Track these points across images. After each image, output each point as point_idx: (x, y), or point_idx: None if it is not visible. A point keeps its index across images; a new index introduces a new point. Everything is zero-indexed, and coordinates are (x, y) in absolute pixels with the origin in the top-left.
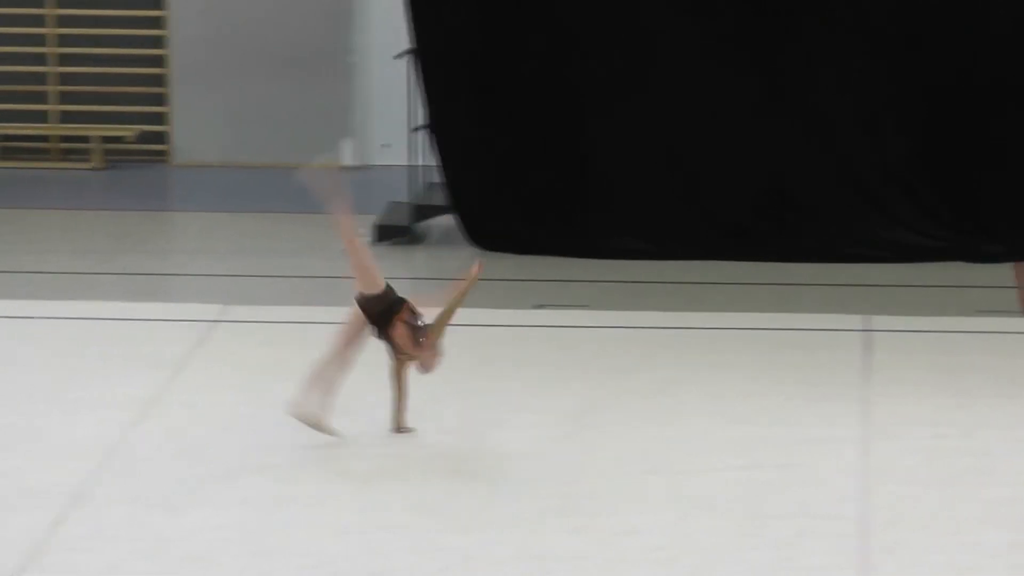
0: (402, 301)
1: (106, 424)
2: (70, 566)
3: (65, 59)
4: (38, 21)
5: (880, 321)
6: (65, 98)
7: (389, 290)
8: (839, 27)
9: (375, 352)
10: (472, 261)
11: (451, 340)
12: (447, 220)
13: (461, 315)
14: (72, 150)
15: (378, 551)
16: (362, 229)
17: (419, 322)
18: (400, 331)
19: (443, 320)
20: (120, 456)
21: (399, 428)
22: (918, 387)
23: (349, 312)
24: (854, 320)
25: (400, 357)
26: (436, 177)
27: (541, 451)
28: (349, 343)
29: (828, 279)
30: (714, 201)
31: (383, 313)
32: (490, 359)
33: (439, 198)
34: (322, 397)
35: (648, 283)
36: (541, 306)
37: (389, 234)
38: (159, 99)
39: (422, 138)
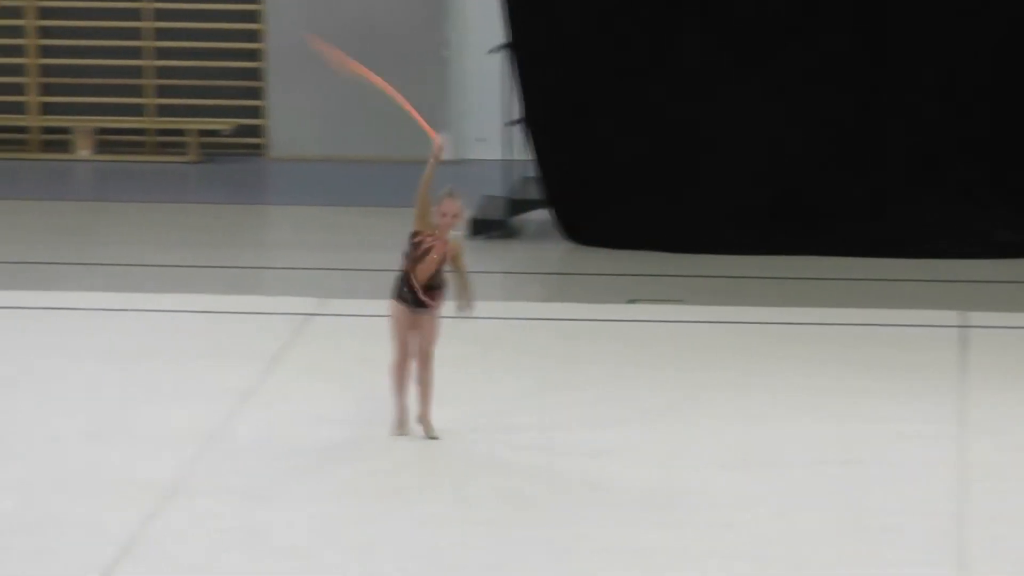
0: (403, 271)
1: (203, 416)
2: (166, 557)
3: (162, 53)
4: (135, 15)
5: (976, 317)
6: (162, 92)
7: (400, 279)
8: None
9: (466, 348)
10: (567, 256)
11: (546, 335)
12: (542, 214)
13: (556, 310)
14: (169, 143)
15: (474, 544)
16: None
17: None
18: (422, 267)
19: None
20: (216, 448)
21: (463, 305)
22: (1014, 383)
23: (392, 320)
24: (950, 316)
25: (452, 261)
26: (531, 171)
27: (636, 445)
28: (407, 343)
29: (924, 275)
30: (812, 195)
31: (405, 285)
32: (584, 354)
33: (534, 192)
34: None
35: (744, 278)
36: (635, 301)
37: (484, 228)
38: (255, 93)
39: (517, 132)
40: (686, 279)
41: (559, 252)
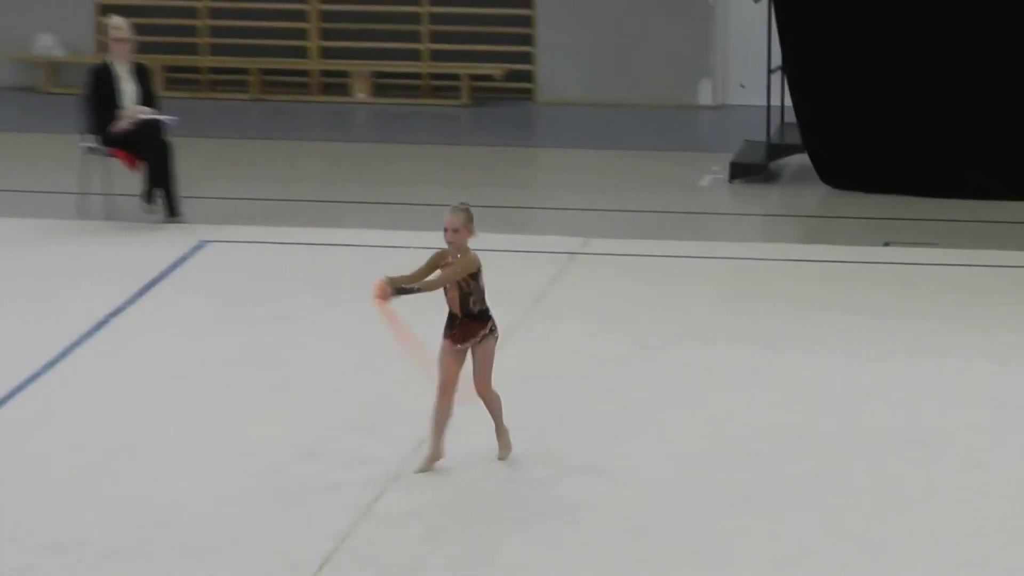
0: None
1: None
2: (432, 481)
3: None
4: None
5: None
6: (436, 37)
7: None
8: None
9: (724, 288)
10: (824, 200)
11: (803, 276)
12: (801, 159)
13: (813, 252)
14: (442, 87)
15: (723, 476)
16: (715, 167)
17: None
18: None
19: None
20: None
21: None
22: None
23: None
24: None
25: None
26: (791, 117)
27: (886, 385)
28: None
29: None
30: None
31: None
32: (840, 295)
33: (794, 137)
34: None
35: (999, 223)
36: (890, 243)
37: (744, 172)
38: (526, 39)
39: (779, 79)
40: (941, 223)
41: (816, 196)
